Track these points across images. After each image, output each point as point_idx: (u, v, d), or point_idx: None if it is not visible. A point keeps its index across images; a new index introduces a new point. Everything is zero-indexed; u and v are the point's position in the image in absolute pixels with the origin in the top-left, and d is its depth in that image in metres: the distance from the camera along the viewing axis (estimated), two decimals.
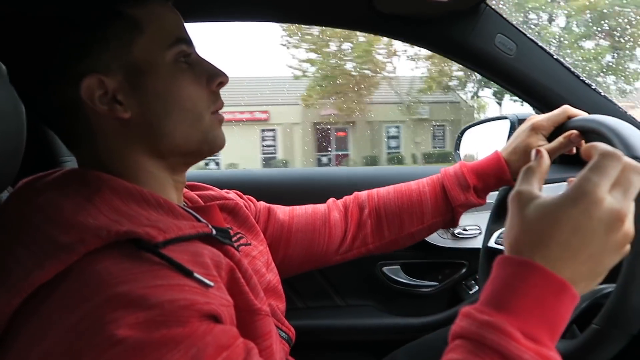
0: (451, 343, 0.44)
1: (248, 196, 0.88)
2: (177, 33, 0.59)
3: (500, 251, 0.86)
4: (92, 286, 0.43)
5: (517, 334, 0.40)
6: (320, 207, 0.91)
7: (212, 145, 0.62)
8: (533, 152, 0.50)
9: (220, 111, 0.64)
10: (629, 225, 0.43)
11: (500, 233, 0.90)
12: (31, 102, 0.58)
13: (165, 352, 0.40)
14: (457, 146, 1.42)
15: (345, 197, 0.93)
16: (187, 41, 0.60)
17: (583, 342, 0.59)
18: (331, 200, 0.93)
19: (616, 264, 0.45)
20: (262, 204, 0.89)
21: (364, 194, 0.92)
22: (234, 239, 0.70)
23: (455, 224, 0.89)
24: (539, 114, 0.92)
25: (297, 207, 0.91)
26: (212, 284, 0.48)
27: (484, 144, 1.40)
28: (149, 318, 0.41)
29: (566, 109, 0.82)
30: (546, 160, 0.49)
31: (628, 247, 0.44)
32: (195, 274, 0.47)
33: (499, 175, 0.83)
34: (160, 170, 0.60)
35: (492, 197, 1.08)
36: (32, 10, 0.54)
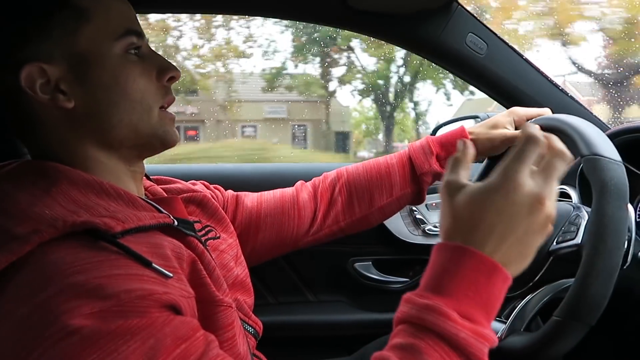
0: (395, 328, 0.45)
1: (215, 185, 0.87)
2: (126, 24, 0.58)
3: None
4: (46, 276, 0.42)
5: (454, 314, 0.42)
6: (288, 190, 0.91)
7: (163, 140, 0.61)
8: (459, 142, 0.52)
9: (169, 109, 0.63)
10: (550, 207, 0.45)
11: None
12: None
13: (122, 343, 0.40)
14: None
15: (314, 178, 0.94)
16: (138, 33, 0.59)
17: (545, 334, 0.61)
18: (299, 182, 0.93)
19: (573, 258, 0.47)
20: (229, 192, 0.89)
21: (332, 172, 0.92)
22: (202, 232, 0.70)
23: (422, 197, 0.91)
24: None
25: (265, 192, 0.90)
26: (171, 275, 0.48)
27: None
28: (105, 308, 0.41)
29: (547, 111, 0.87)
30: (471, 150, 0.51)
31: (551, 227, 0.47)
32: (154, 264, 0.46)
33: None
34: (113, 161, 0.59)
35: None
36: None
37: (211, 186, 0.86)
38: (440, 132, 1.47)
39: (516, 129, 0.87)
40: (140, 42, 0.59)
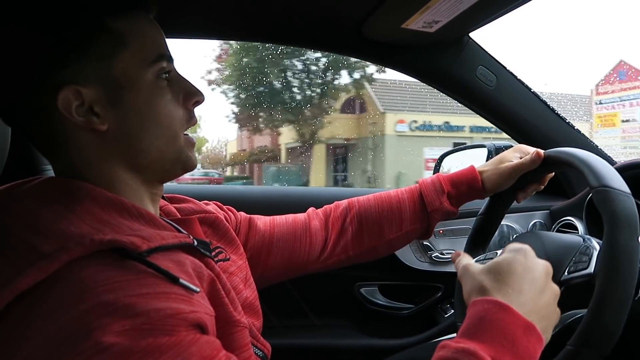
0: None
1: (228, 207, 0.88)
2: (159, 50, 0.59)
3: None
4: (76, 293, 0.42)
5: (487, 358, 0.44)
6: (300, 216, 0.92)
7: (184, 165, 0.63)
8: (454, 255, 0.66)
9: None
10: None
11: (477, 260, 0.92)
12: (8, 110, 0.57)
13: None
14: (436, 171, 1.46)
15: (325, 206, 0.95)
16: (168, 58, 0.60)
17: None
18: (311, 209, 0.94)
19: (585, 288, 0.51)
20: (242, 214, 0.89)
21: (344, 202, 0.94)
22: (213, 253, 0.70)
23: (430, 233, 0.92)
24: (517, 142, 0.97)
25: (277, 216, 0.91)
26: (198, 289, 0.48)
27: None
28: (135, 326, 0.41)
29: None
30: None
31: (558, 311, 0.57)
32: (181, 280, 0.47)
33: (471, 183, 0.87)
34: (136, 183, 0.60)
35: (470, 223, 1.11)
36: (18, 19, 0.53)
37: (224, 207, 0.87)
38: (446, 159, 1.50)
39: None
40: (170, 67, 0.60)
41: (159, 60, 0.58)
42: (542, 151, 0.82)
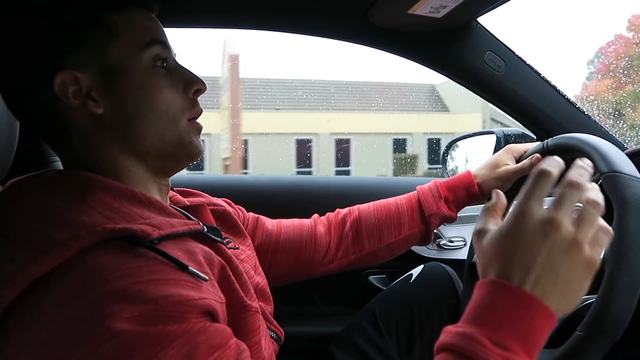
0: (434, 358, 0.47)
1: (238, 206, 0.90)
2: (152, 35, 0.60)
3: None
4: (88, 280, 0.43)
5: (485, 340, 0.43)
6: (306, 221, 0.96)
7: (187, 151, 0.63)
8: (493, 193, 0.55)
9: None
10: (587, 249, 0.45)
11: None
12: (14, 101, 0.59)
13: (160, 349, 0.41)
14: (443, 159, 1.45)
15: (328, 213, 0.99)
16: (163, 44, 0.61)
17: (568, 349, 0.61)
18: (315, 215, 0.98)
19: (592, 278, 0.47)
20: (250, 214, 0.92)
21: (345, 209, 0.98)
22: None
23: (429, 238, 0.96)
24: (526, 128, 0.96)
25: (284, 220, 0.95)
26: (206, 278, 0.49)
27: (470, 157, 1.43)
28: (145, 313, 0.42)
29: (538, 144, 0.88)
30: (502, 199, 0.54)
31: (595, 267, 0.47)
32: (190, 268, 0.48)
33: (467, 187, 0.91)
34: (141, 170, 0.61)
35: (478, 210, 1.10)
36: (14, 10, 0.55)
37: (234, 205, 0.89)
38: (454, 146, 1.48)
39: (517, 162, 0.91)
40: (167, 54, 0.61)
41: (151, 45, 0.59)
42: (540, 156, 0.84)
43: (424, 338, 0.94)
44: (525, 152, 0.91)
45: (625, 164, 0.66)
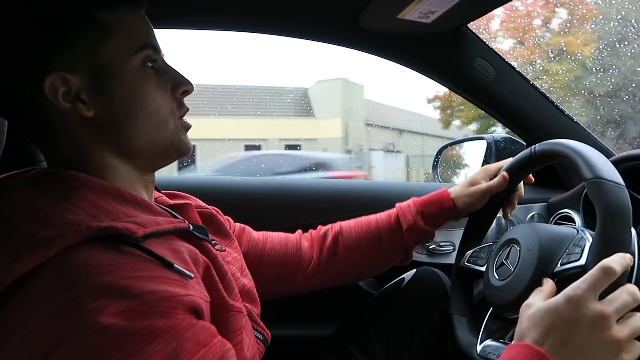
0: None
1: (226, 217, 0.91)
2: (144, 39, 0.60)
3: (470, 270, 0.89)
4: (72, 276, 0.43)
5: None
6: (292, 235, 0.98)
7: (178, 149, 0.63)
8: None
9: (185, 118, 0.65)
10: (615, 331, 0.53)
11: (472, 252, 0.92)
12: (1, 100, 0.58)
13: (146, 344, 0.41)
14: (435, 164, 1.45)
15: (310, 230, 1.01)
16: (155, 47, 0.61)
17: None
18: (299, 231, 1.00)
19: (577, 279, 0.54)
20: (237, 224, 0.93)
21: (327, 225, 1.00)
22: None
23: (409, 254, 0.98)
24: (515, 134, 0.97)
25: (270, 232, 0.96)
26: (192, 275, 0.49)
27: (461, 162, 1.44)
28: (131, 308, 0.42)
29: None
30: (552, 286, 0.64)
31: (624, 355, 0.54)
32: (176, 266, 0.48)
33: (441, 202, 0.95)
34: (128, 170, 0.61)
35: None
36: (5, 7, 0.55)
37: (223, 215, 0.89)
38: (444, 152, 1.49)
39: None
40: (157, 56, 0.61)
41: (143, 49, 0.59)
42: (507, 174, 0.88)
43: (413, 344, 0.94)
44: (497, 169, 0.93)
45: (608, 171, 0.66)
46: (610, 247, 0.60)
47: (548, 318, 0.55)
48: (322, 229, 1.00)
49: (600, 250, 0.61)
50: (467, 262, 0.91)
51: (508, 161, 0.92)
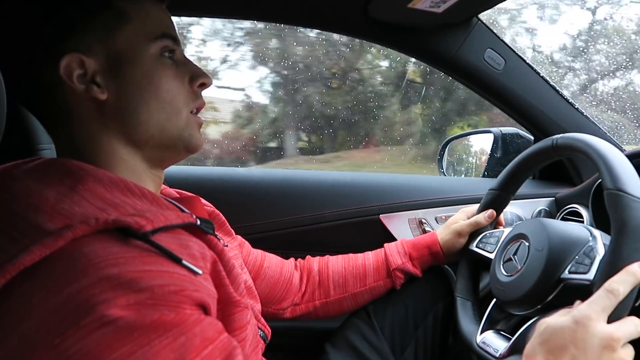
0: None
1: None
2: (163, 28, 0.60)
3: (478, 255, 0.89)
4: (80, 268, 0.42)
5: None
6: (286, 260, 1.00)
7: (187, 144, 0.62)
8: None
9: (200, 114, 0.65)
10: (620, 355, 0.56)
11: (482, 237, 0.92)
12: (14, 80, 0.58)
13: (155, 337, 0.41)
14: (440, 157, 1.44)
15: (299, 259, 1.03)
16: (174, 38, 0.61)
17: None
18: (292, 259, 1.02)
19: (584, 291, 0.56)
20: (237, 235, 0.93)
21: (316, 258, 1.02)
22: None
23: (395, 289, 0.98)
24: (524, 128, 0.95)
25: (267, 252, 0.98)
26: (200, 271, 0.49)
27: (467, 155, 1.43)
28: (140, 301, 0.41)
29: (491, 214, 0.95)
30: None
31: None
32: (184, 261, 0.48)
33: (430, 246, 0.97)
34: (136, 161, 0.60)
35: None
36: None
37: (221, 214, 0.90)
38: (449, 145, 1.48)
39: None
40: (175, 47, 0.61)
41: (162, 38, 0.59)
42: (493, 212, 0.93)
43: (418, 337, 0.95)
44: (475, 213, 0.97)
45: (631, 182, 0.63)
46: (620, 265, 0.59)
47: (559, 337, 0.57)
48: (310, 259, 1.02)
49: (610, 270, 0.60)
50: (476, 246, 0.92)
51: (483, 204, 0.96)
